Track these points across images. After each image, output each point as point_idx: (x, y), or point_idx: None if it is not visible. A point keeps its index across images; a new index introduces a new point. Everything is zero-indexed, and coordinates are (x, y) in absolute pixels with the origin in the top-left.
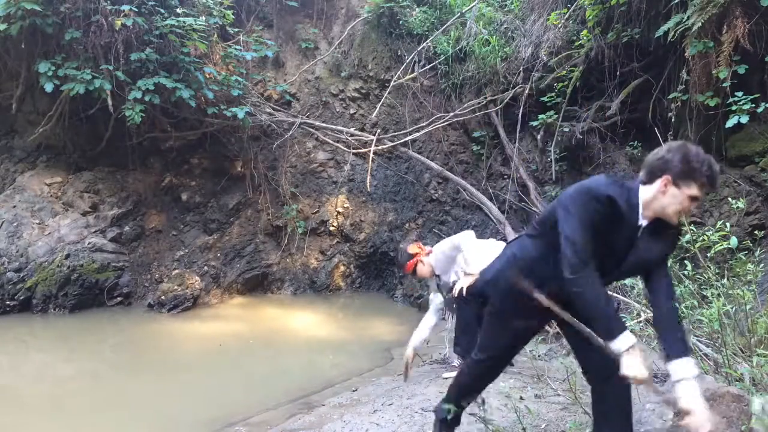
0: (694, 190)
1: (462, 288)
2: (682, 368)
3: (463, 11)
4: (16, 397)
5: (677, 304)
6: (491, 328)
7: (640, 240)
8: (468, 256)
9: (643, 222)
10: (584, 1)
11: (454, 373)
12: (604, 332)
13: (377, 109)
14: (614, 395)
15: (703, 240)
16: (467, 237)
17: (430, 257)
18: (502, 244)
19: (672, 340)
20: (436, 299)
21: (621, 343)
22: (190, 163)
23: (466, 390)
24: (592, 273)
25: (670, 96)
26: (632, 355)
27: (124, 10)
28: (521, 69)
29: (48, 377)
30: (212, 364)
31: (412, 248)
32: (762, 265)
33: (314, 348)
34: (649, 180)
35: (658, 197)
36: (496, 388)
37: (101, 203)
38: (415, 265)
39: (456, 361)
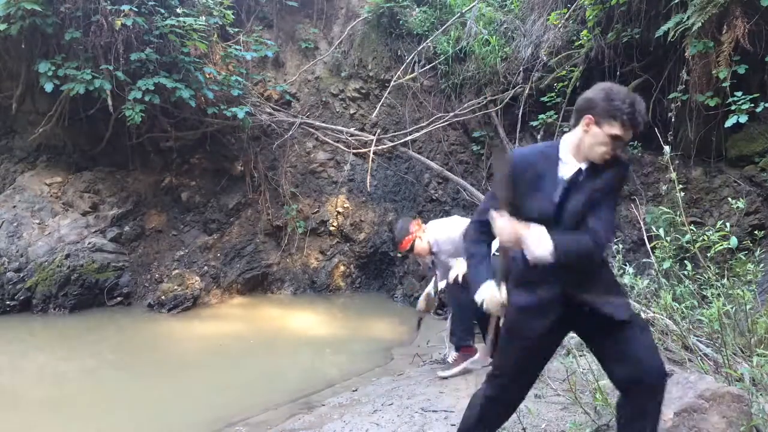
0: (615, 129)
1: (458, 274)
2: None
3: (463, 11)
4: (16, 397)
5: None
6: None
7: (576, 188)
8: None
9: (569, 171)
10: (584, 1)
11: (450, 372)
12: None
13: (377, 109)
14: (636, 404)
15: (703, 240)
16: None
17: (428, 234)
18: None
19: None
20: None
21: (481, 291)
22: (190, 163)
23: (471, 423)
24: (472, 231)
25: (670, 96)
26: (487, 291)
27: (124, 10)
28: (521, 69)
29: (48, 377)
30: (212, 364)
31: (412, 225)
32: (762, 265)
33: (314, 348)
34: (575, 122)
35: (582, 138)
36: None
37: (101, 203)
38: (413, 241)
39: (451, 357)
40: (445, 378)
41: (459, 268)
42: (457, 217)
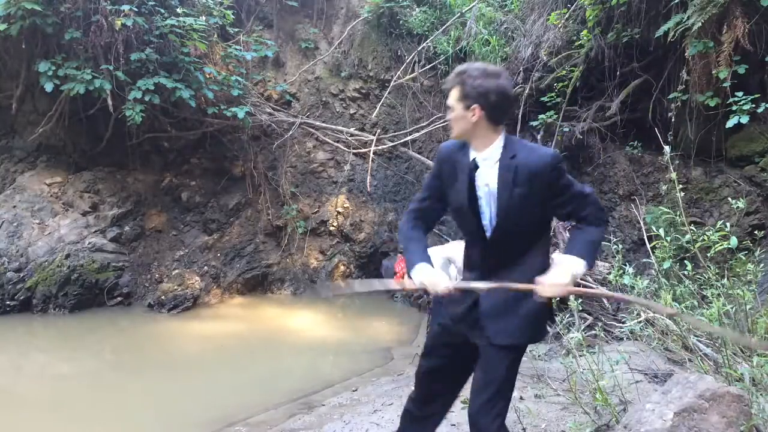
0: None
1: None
2: None
3: (463, 11)
4: (16, 397)
5: None
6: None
7: (480, 176)
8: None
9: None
10: (584, 1)
11: None
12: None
13: (377, 109)
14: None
15: (703, 240)
16: (458, 248)
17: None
18: None
19: None
20: None
21: (415, 273)
22: (190, 163)
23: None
24: (407, 219)
25: (670, 96)
26: (421, 274)
27: (124, 10)
28: (521, 69)
29: (48, 377)
30: (212, 364)
31: (397, 265)
32: (762, 265)
33: (314, 348)
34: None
35: None
36: None
37: (101, 203)
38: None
39: None
40: None
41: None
42: (455, 243)
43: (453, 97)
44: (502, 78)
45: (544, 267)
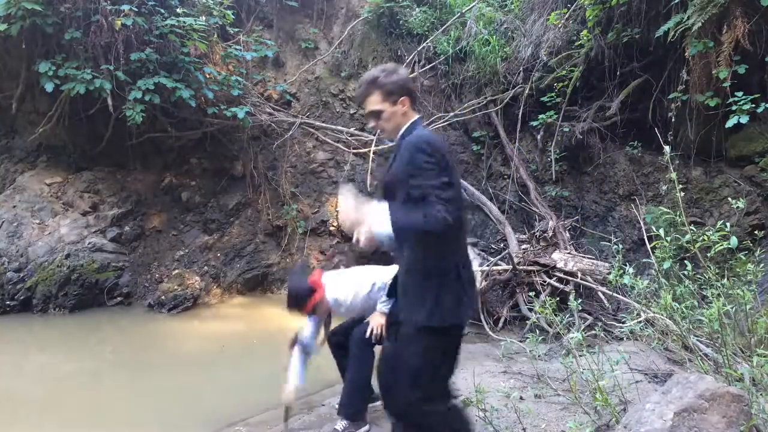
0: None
1: (374, 329)
2: None
3: (463, 11)
4: (15, 397)
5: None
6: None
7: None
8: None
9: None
10: (584, 1)
11: None
12: None
13: None
14: None
15: (703, 240)
16: (387, 274)
17: (328, 291)
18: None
19: None
20: (305, 332)
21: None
22: (190, 163)
23: None
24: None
25: (670, 96)
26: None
27: (124, 10)
28: (521, 69)
29: (48, 377)
30: (212, 364)
31: (313, 279)
32: (762, 265)
33: None
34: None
35: None
36: (496, 388)
37: (101, 203)
38: (317, 303)
39: (340, 425)
40: None
41: (374, 321)
42: (359, 271)
43: (375, 102)
44: (402, 69)
45: None
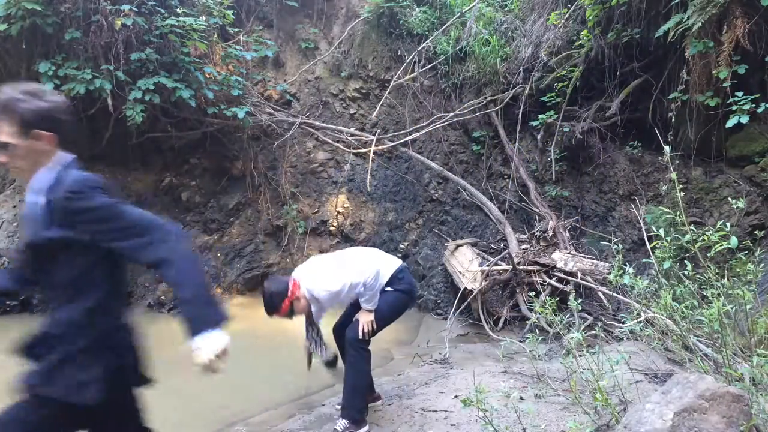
0: None
1: (366, 329)
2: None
3: (463, 11)
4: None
5: None
6: None
7: None
8: (369, 292)
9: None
10: (584, 1)
11: None
12: None
13: (377, 109)
14: None
15: (703, 240)
16: (371, 271)
17: (303, 290)
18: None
19: None
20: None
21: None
22: (190, 163)
23: None
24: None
25: (670, 96)
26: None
27: (124, 10)
28: (521, 69)
29: None
30: None
31: (285, 285)
32: (762, 265)
33: None
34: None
35: None
36: (496, 388)
37: None
38: (291, 304)
39: (340, 425)
40: None
41: (366, 318)
42: (326, 261)
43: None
44: (53, 94)
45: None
